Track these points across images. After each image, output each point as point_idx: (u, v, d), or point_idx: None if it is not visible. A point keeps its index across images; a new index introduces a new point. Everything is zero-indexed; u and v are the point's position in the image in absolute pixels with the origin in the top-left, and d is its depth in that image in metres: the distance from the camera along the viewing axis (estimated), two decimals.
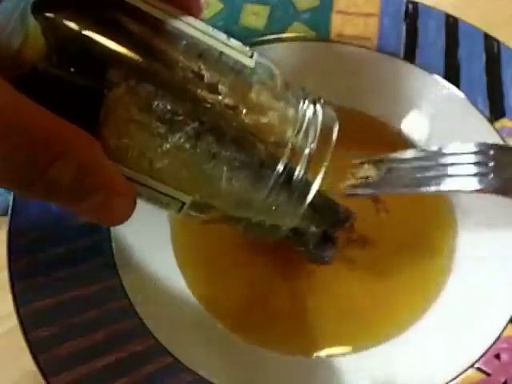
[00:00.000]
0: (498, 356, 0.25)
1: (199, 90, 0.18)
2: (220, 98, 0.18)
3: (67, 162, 0.15)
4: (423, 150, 0.29)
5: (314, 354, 0.28)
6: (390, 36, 0.33)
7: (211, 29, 0.19)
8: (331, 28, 0.33)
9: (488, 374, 0.25)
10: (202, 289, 0.29)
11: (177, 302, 0.28)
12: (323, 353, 0.28)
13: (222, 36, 0.19)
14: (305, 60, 0.33)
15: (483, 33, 0.33)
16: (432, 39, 0.33)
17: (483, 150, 0.27)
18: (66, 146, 0.15)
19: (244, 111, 0.18)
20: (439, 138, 0.32)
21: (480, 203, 0.30)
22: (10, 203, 0.26)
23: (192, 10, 0.19)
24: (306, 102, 0.20)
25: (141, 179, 0.18)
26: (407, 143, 0.33)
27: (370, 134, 0.33)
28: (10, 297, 0.25)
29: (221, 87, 0.18)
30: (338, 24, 0.33)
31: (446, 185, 0.27)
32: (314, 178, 0.20)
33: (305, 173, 0.19)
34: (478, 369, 0.25)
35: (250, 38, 0.32)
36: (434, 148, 0.28)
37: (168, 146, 0.17)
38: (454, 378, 0.25)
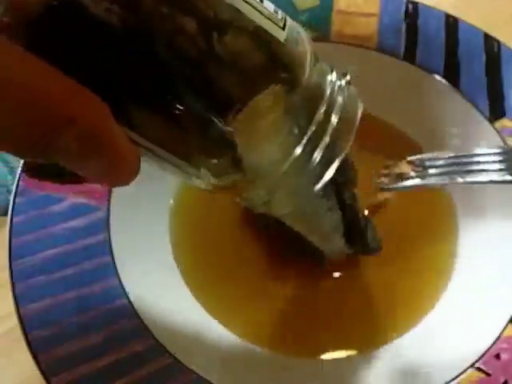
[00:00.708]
0: (498, 356, 0.25)
1: None
2: None
3: (73, 127, 0.15)
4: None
5: (317, 356, 0.28)
6: (390, 36, 0.33)
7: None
8: (331, 28, 0.33)
9: (488, 374, 0.25)
10: (202, 289, 0.29)
11: (176, 302, 0.28)
12: (329, 355, 0.28)
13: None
14: None
15: (483, 33, 0.33)
16: (432, 39, 0.33)
17: (507, 150, 0.28)
18: (73, 112, 0.14)
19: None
20: (439, 138, 0.32)
21: (480, 203, 0.30)
22: (10, 203, 0.27)
23: None
24: (334, 73, 0.20)
25: None
26: (407, 143, 0.33)
27: (370, 134, 0.33)
28: (10, 296, 0.25)
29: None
30: (338, 24, 0.33)
31: (478, 177, 0.27)
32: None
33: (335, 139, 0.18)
34: (478, 369, 0.25)
35: None
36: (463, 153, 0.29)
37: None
38: (454, 378, 0.25)
